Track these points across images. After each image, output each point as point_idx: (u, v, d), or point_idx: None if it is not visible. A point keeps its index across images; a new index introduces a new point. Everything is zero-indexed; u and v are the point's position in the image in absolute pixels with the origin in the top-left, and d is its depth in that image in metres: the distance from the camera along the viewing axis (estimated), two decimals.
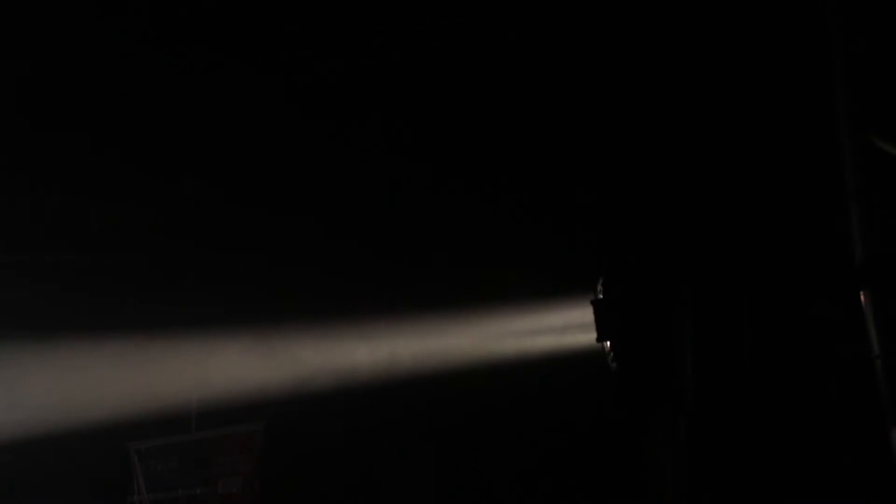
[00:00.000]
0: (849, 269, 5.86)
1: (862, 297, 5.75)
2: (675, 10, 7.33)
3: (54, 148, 9.64)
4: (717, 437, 7.32)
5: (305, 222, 11.39)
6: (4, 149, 9.55)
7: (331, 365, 12.15)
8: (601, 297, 9.62)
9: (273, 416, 11.68)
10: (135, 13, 7.74)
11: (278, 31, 7.92)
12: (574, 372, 10.59)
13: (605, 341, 9.58)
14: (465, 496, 12.01)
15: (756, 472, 7.43)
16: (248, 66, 8.35)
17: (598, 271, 9.82)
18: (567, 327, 10.76)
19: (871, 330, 5.68)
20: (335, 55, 8.27)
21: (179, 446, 12.19)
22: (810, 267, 6.92)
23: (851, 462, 6.85)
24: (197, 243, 11.40)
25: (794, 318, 6.97)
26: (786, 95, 7.15)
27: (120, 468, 12.25)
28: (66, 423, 12.18)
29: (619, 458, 10.85)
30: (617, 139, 9.06)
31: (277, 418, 11.71)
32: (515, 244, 10.94)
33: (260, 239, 11.36)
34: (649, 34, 7.69)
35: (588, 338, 9.70)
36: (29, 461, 12.18)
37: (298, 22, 7.85)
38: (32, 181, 10.39)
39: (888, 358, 5.60)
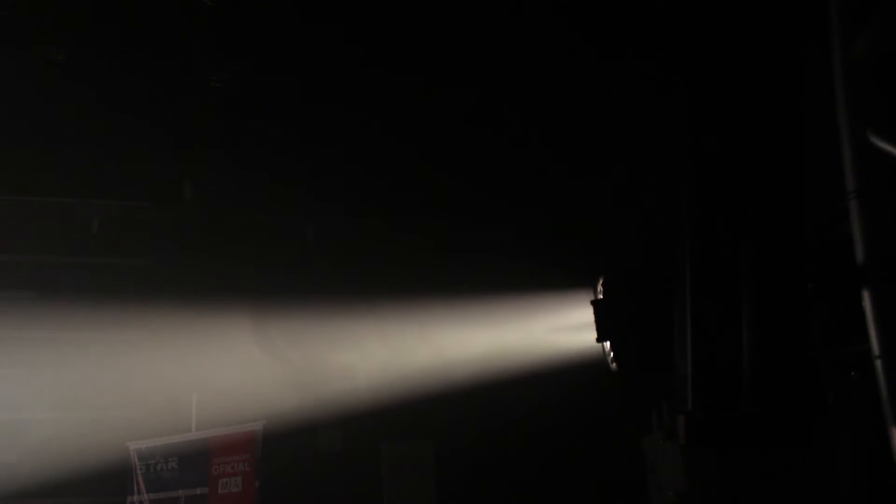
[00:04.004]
0: (849, 269, 5.86)
1: (862, 297, 5.75)
2: (676, 11, 7.33)
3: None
4: (717, 437, 7.30)
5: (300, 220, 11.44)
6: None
7: (331, 364, 12.15)
8: (601, 297, 9.63)
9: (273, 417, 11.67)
10: None
11: None
12: (574, 372, 10.59)
13: (605, 341, 9.59)
14: (464, 496, 12.02)
15: (755, 472, 7.42)
16: None
17: (598, 271, 9.83)
18: (567, 327, 10.75)
19: (872, 330, 5.67)
20: None
21: (179, 446, 12.15)
22: (811, 267, 6.91)
23: (851, 462, 6.84)
24: (197, 243, 11.40)
25: (794, 317, 6.95)
26: (786, 95, 7.15)
27: (120, 468, 12.21)
28: (66, 423, 12.17)
29: (619, 458, 10.85)
30: (618, 139, 9.07)
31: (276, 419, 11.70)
32: (514, 244, 10.94)
33: (253, 238, 11.39)
34: (650, 34, 7.69)
35: (588, 338, 9.71)
36: (29, 461, 12.17)
37: None
38: (32, 181, 10.41)
39: (888, 358, 5.59)
